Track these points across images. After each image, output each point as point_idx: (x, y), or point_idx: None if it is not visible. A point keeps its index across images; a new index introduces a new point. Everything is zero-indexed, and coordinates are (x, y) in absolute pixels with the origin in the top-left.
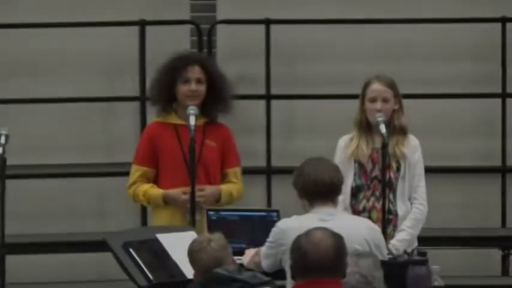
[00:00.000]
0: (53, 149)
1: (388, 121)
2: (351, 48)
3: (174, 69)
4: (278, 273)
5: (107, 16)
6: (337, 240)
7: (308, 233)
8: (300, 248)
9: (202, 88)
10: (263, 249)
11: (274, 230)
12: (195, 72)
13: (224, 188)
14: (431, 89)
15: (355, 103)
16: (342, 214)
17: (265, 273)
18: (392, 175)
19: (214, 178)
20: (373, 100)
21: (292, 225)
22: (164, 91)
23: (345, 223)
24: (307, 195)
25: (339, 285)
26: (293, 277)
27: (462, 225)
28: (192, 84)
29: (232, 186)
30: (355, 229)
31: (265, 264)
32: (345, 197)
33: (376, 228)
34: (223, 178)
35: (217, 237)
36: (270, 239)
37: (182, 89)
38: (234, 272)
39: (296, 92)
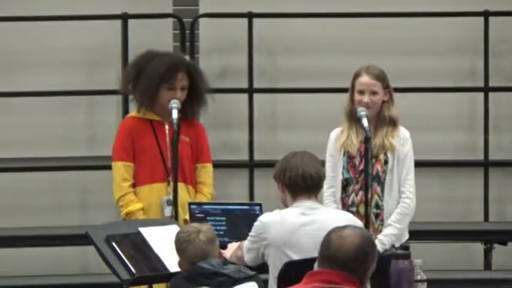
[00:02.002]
0: (35, 142)
1: (377, 112)
2: (334, 42)
3: (162, 79)
4: (261, 268)
5: (89, 9)
6: (365, 243)
7: (342, 227)
8: (328, 237)
9: (184, 94)
10: (245, 243)
11: (256, 224)
12: (182, 80)
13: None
14: (414, 83)
15: (338, 97)
16: (323, 208)
17: (249, 267)
18: (379, 168)
19: (189, 172)
20: (362, 93)
21: (274, 220)
22: (149, 93)
23: (325, 217)
24: (292, 188)
25: (354, 283)
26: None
27: (445, 219)
28: (178, 93)
29: (204, 195)
30: (335, 223)
31: (247, 258)
32: (335, 190)
33: (357, 222)
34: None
35: (206, 229)
36: (252, 233)
37: (166, 94)
38: (218, 266)
39: (279, 85)
